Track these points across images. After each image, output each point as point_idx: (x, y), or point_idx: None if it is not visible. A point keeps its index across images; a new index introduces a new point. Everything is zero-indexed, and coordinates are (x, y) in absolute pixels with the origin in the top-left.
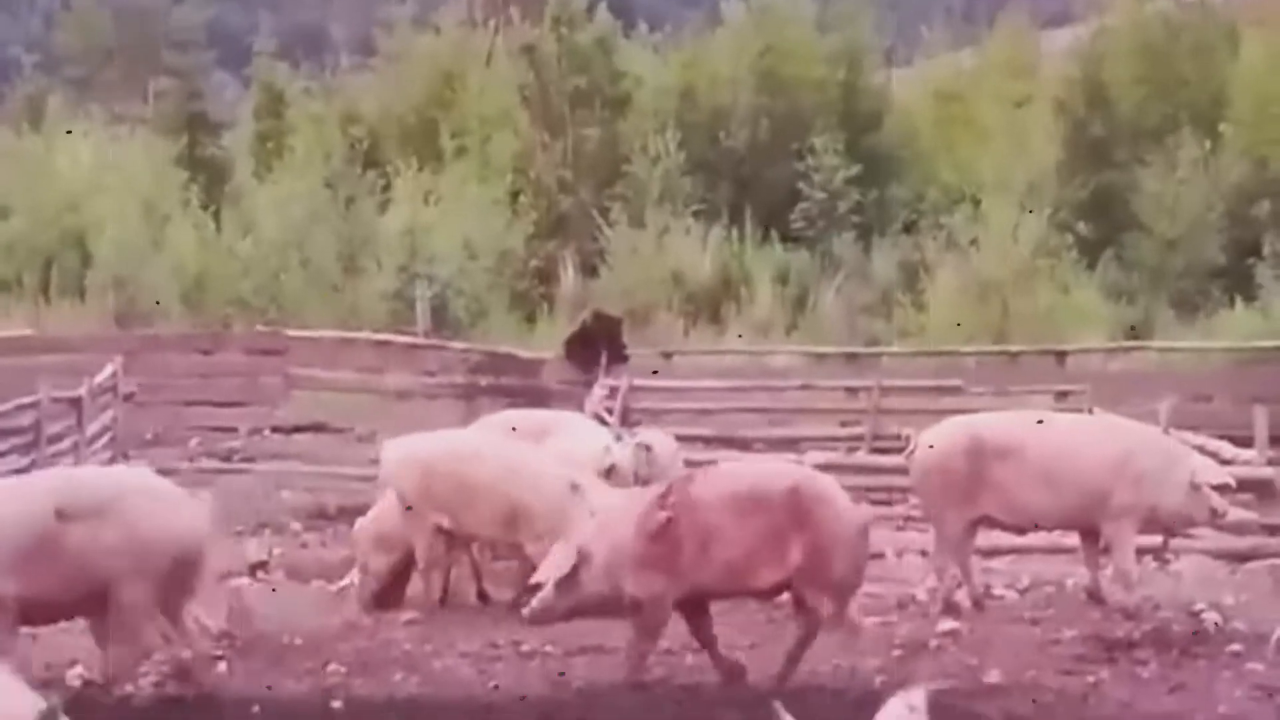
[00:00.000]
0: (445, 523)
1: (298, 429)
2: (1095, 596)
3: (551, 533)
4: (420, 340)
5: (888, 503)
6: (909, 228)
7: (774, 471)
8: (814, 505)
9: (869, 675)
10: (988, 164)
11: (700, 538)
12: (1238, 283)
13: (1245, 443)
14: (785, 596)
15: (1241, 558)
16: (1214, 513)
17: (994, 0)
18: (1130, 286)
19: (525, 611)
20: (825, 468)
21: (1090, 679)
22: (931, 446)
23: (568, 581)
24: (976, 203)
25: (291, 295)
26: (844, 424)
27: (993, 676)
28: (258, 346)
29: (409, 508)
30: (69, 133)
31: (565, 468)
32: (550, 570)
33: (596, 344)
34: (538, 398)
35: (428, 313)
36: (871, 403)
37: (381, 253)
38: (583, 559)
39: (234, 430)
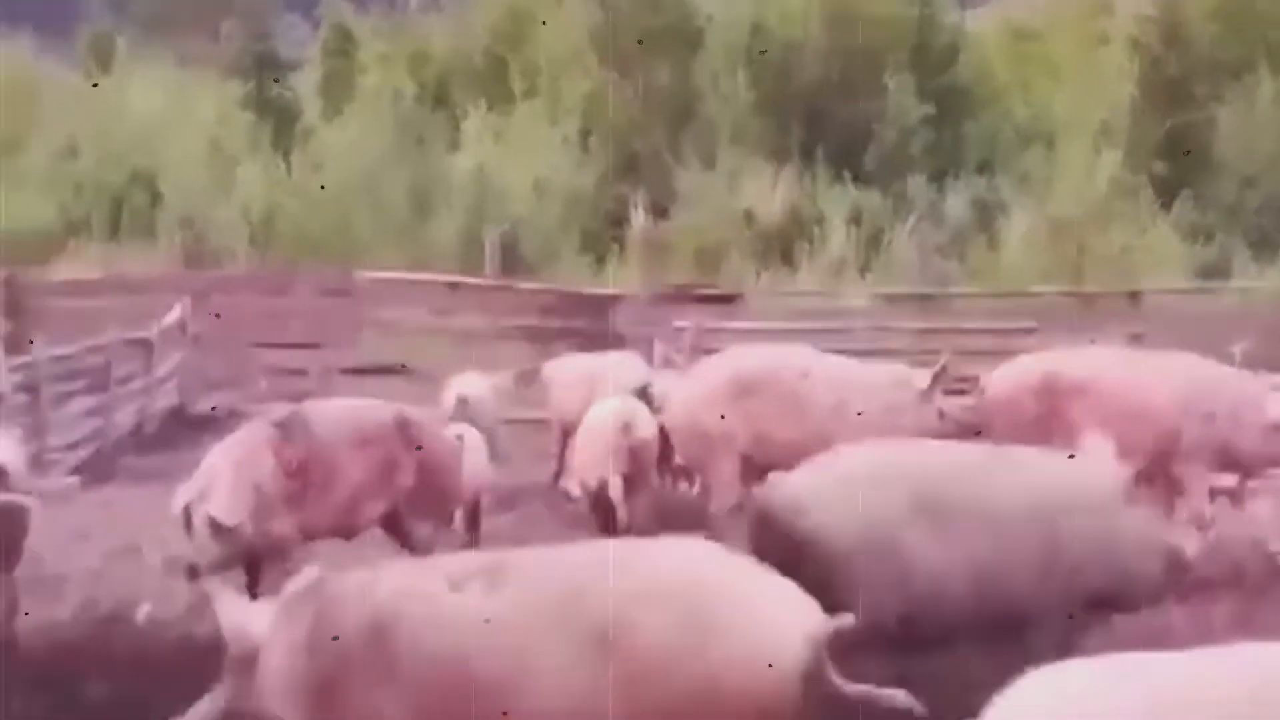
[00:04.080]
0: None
1: (368, 370)
2: None
3: None
4: (490, 281)
5: None
6: (983, 168)
7: (374, 404)
8: (422, 429)
9: None
10: (1063, 103)
11: (324, 473)
12: None
13: None
14: None
15: None
16: None
17: None
18: (1207, 226)
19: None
20: None
21: (1161, 619)
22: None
23: (230, 530)
24: (1051, 142)
25: (361, 236)
26: (916, 366)
27: None
28: (327, 287)
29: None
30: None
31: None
32: (226, 516)
33: None
34: (608, 340)
35: (498, 254)
36: (944, 344)
37: (451, 193)
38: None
39: (304, 372)
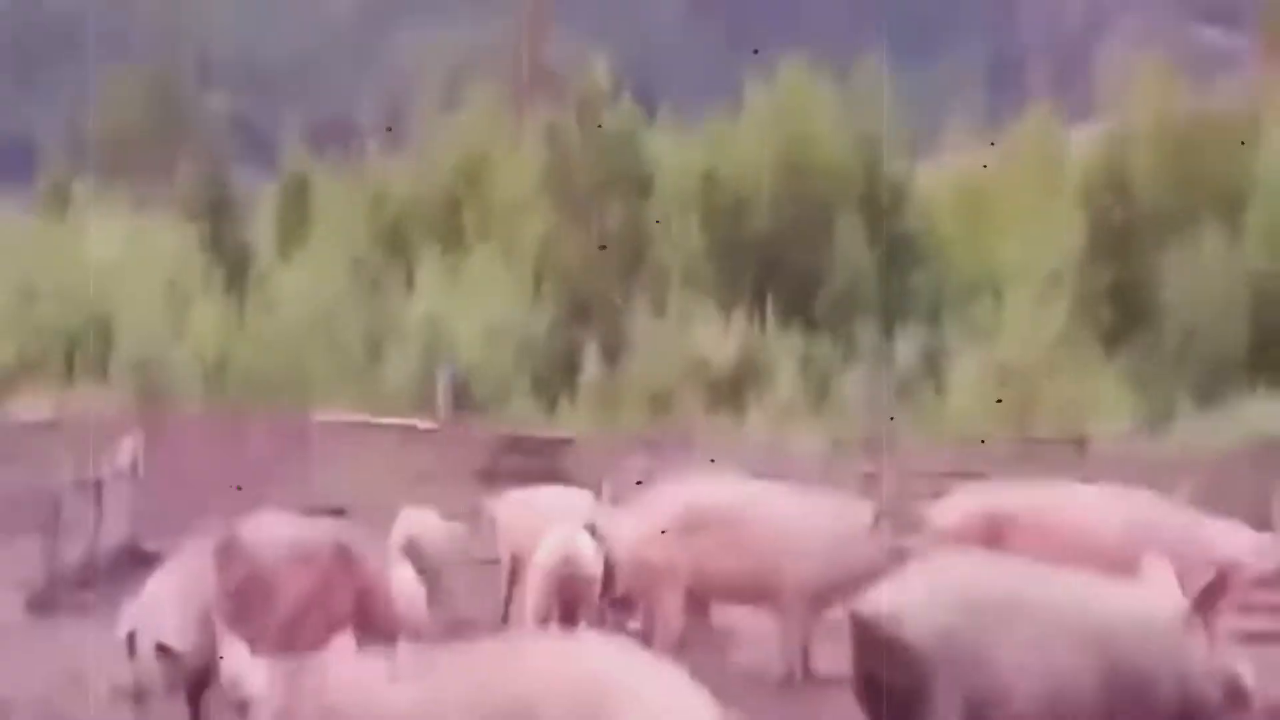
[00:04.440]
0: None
1: (321, 512)
2: None
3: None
4: (442, 424)
5: None
6: (931, 315)
7: (314, 525)
8: (360, 557)
9: None
10: (1010, 252)
11: (264, 592)
12: (1261, 372)
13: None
14: None
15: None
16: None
17: (1017, 97)
18: (1152, 375)
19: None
20: None
21: None
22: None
23: (178, 655)
24: (999, 291)
25: (315, 378)
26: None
27: None
28: (281, 430)
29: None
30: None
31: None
32: (176, 641)
33: None
34: (559, 482)
35: (449, 396)
36: (892, 488)
37: (405, 336)
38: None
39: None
